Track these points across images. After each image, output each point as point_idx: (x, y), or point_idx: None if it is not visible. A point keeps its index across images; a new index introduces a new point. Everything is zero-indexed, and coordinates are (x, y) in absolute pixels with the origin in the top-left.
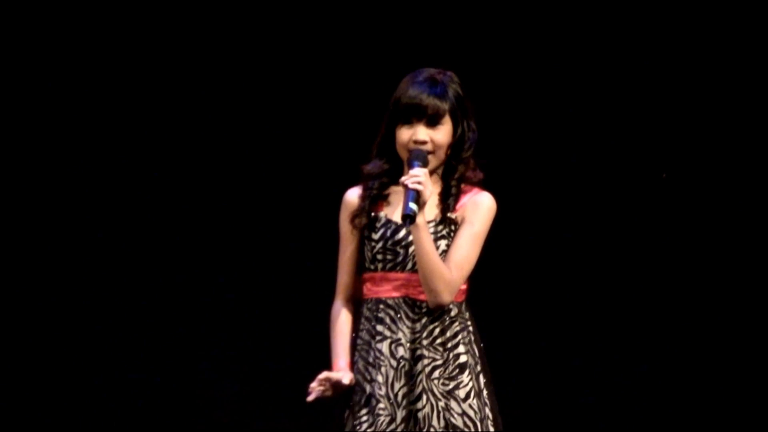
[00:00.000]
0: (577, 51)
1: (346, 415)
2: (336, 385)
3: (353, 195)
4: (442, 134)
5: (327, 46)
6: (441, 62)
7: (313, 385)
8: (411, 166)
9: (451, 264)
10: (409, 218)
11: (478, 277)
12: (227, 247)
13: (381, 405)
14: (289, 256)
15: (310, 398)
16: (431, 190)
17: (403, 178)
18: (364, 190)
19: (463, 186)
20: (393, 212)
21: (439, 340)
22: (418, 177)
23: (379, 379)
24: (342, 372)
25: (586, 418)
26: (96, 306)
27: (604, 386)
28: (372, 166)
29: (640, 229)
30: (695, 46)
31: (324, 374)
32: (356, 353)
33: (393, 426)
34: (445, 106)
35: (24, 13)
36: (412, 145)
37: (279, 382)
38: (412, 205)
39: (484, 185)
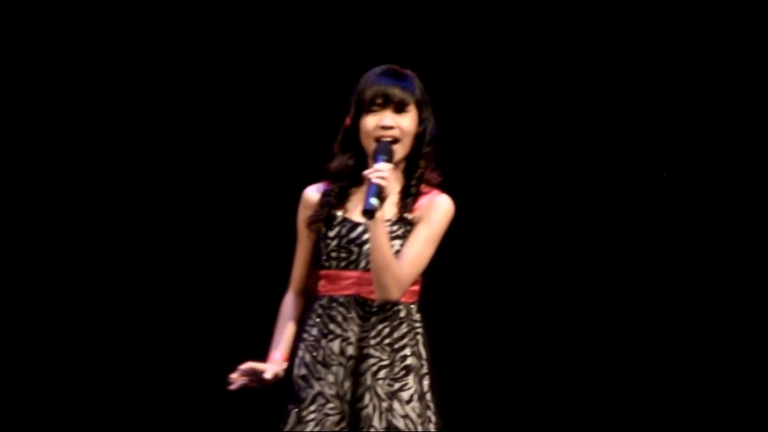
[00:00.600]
0: (578, 50)
1: (289, 408)
2: (260, 377)
3: (312, 193)
4: (408, 121)
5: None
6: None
7: (234, 375)
8: (376, 160)
9: (403, 262)
10: (369, 213)
11: (432, 280)
12: (228, 248)
13: (331, 405)
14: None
15: (231, 387)
16: (393, 187)
17: (366, 171)
18: (323, 196)
19: (422, 187)
20: (350, 211)
21: (387, 341)
22: (381, 171)
23: (330, 378)
24: (269, 364)
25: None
26: (96, 306)
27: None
28: (337, 163)
29: (638, 229)
30: (695, 46)
31: (248, 364)
32: (302, 347)
33: (343, 425)
34: (411, 95)
35: (24, 13)
36: (379, 132)
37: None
38: (373, 201)
39: (445, 188)
